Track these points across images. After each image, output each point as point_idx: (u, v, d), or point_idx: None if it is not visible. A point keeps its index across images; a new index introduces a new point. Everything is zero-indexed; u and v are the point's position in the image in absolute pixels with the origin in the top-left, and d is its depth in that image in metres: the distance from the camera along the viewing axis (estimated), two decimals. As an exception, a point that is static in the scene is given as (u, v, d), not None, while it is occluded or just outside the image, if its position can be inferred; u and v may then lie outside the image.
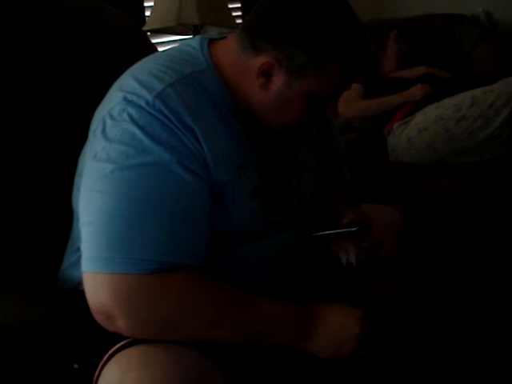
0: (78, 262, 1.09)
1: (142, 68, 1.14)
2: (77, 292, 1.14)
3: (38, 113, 1.44)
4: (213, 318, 1.02)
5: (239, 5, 3.31)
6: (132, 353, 0.98)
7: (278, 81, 1.09)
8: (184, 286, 1.01)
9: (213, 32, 2.81)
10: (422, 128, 2.53)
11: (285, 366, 1.20)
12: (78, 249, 1.09)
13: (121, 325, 0.98)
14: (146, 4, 2.76)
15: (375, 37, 3.10)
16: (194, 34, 2.67)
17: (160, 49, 1.91)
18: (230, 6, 2.86)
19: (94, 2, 1.67)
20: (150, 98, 1.04)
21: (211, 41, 1.19)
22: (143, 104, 1.03)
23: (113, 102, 1.08)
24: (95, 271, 0.99)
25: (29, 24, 1.47)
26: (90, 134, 1.13)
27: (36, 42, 1.47)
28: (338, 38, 1.07)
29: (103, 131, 1.06)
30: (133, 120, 1.03)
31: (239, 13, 3.27)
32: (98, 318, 1.00)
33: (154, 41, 2.29)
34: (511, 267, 2.13)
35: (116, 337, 1.01)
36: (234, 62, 1.13)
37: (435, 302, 2.04)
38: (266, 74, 1.09)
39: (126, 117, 1.03)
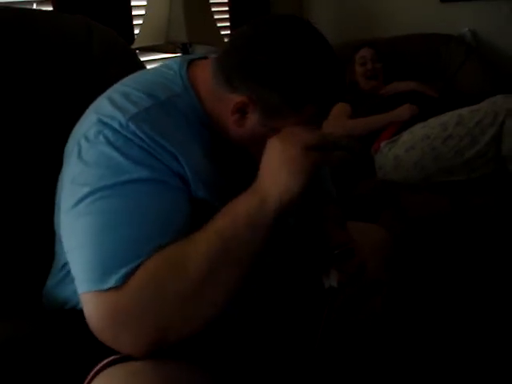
0: (63, 280, 1.09)
1: (117, 91, 1.13)
2: (63, 311, 1.13)
3: (23, 128, 1.43)
4: (201, 278, 0.98)
5: (228, 24, 3.33)
6: (118, 370, 0.97)
7: (253, 119, 1.09)
8: (155, 269, 0.97)
9: (201, 51, 2.82)
10: (409, 147, 2.54)
11: (278, 377, 1.18)
12: (62, 267, 1.08)
13: (127, 341, 0.97)
14: (134, 22, 2.77)
15: (345, 60, 3.11)
16: (183, 53, 2.68)
17: (148, 66, 1.92)
18: (219, 24, 2.88)
19: (82, 20, 1.67)
20: (123, 120, 1.03)
21: (191, 61, 1.18)
22: (117, 126, 1.03)
23: (87, 125, 1.07)
24: (86, 292, 0.98)
25: (16, 40, 1.46)
26: (66, 155, 1.13)
27: (23, 59, 1.47)
28: (312, 82, 1.07)
29: (79, 154, 1.05)
30: (109, 142, 1.02)
31: (228, 31, 3.29)
32: (104, 338, 0.98)
33: (142, 59, 2.29)
34: (498, 285, 2.14)
35: (102, 355, 0.99)
36: (211, 90, 1.13)
37: (423, 320, 2.04)
38: (241, 110, 1.09)
39: (101, 139, 1.03)
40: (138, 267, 0.97)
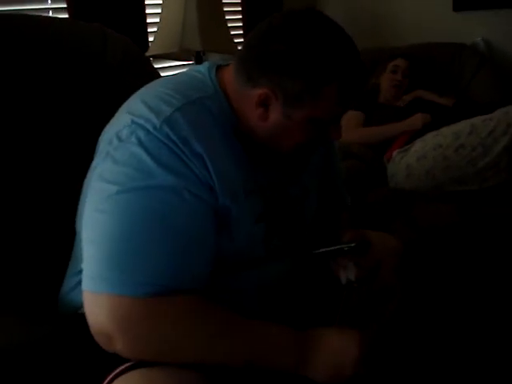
0: (78, 285, 1.09)
1: (150, 92, 1.15)
2: (77, 315, 1.14)
3: (40, 135, 1.44)
4: (209, 341, 1.03)
5: (242, 32, 3.34)
6: (133, 377, 0.98)
7: (276, 111, 1.10)
8: (182, 310, 1.01)
9: (215, 58, 2.83)
10: (421, 156, 2.54)
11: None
12: (79, 272, 1.09)
13: (120, 346, 0.98)
14: (149, 29, 2.79)
15: (376, 66, 3.13)
16: (196, 60, 2.69)
17: (162, 74, 1.93)
18: (233, 32, 2.89)
19: (97, 28, 1.69)
20: (157, 122, 1.04)
21: (219, 67, 1.20)
22: (150, 128, 1.04)
23: (121, 125, 1.08)
24: (96, 291, 1.00)
25: (32, 48, 1.48)
26: (96, 155, 1.14)
27: (39, 66, 1.48)
28: (328, 62, 1.07)
29: (110, 153, 1.06)
30: (140, 143, 1.03)
31: (241, 39, 3.30)
32: (98, 338, 1.00)
33: (156, 66, 2.30)
34: (507, 294, 2.13)
35: (115, 361, 1.00)
36: (236, 90, 1.14)
37: (434, 327, 2.03)
38: (263, 104, 1.10)
39: (133, 140, 1.04)
40: (166, 292, 0.99)
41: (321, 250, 1.27)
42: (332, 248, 1.26)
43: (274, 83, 1.08)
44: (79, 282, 1.07)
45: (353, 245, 1.23)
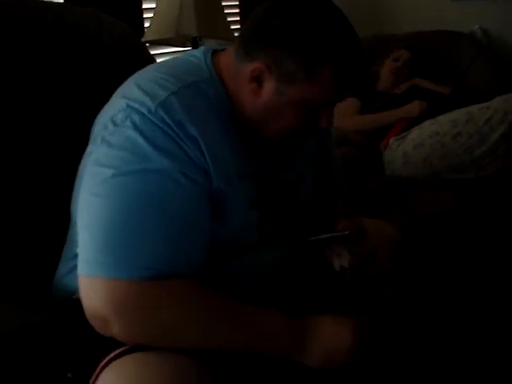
0: (73, 270, 1.10)
1: (145, 76, 1.15)
2: (72, 300, 1.14)
3: (36, 119, 1.44)
4: (204, 326, 1.03)
5: (238, 18, 3.33)
6: (128, 362, 0.98)
7: (270, 87, 1.10)
8: (177, 294, 1.01)
9: (211, 44, 2.82)
10: (417, 143, 2.54)
11: (280, 374, 1.19)
12: (75, 256, 1.09)
13: (115, 329, 0.99)
14: (144, 15, 2.77)
15: (374, 53, 3.12)
16: (193, 46, 2.69)
17: (158, 60, 1.92)
18: (229, 18, 2.88)
19: (92, 12, 1.68)
20: (152, 106, 1.04)
21: (214, 52, 1.20)
22: (145, 112, 1.04)
23: (115, 109, 1.08)
24: (91, 275, 1.00)
25: (27, 32, 1.47)
26: (91, 139, 1.14)
27: (34, 51, 1.47)
28: (326, 44, 1.07)
29: (105, 137, 1.06)
30: (135, 127, 1.03)
31: (238, 26, 3.29)
32: (93, 322, 1.01)
33: (152, 52, 2.29)
34: (504, 283, 2.13)
35: (111, 345, 1.00)
36: (232, 70, 1.14)
37: (430, 314, 2.04)
38: (257, 79, 1.10)
39: (128, 123, 1.04)
40: (161, 276, 0.99)
41: (315, 238, 1.27)
42: (326, 235, 1.26)
43: (270, 58, 1.07)
44: (74, 267, 1.08)
45: (347, 232, 1.24)
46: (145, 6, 2.78)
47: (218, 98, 1.12)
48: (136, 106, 1.05)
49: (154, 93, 1.07)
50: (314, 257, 1.34)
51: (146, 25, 2.76)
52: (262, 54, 1.08)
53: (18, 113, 1.41)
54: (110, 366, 0.99)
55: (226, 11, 2.83)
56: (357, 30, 1.13)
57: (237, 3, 3.35)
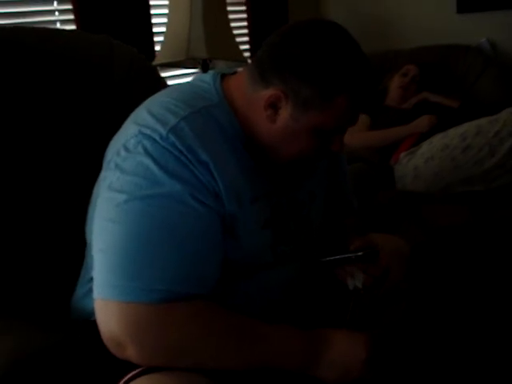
0: (90, 292, 1.10)
1: (156, 102, 1.16)
2: (89, 322, 1.15)
3: (49, 147, 1.46)
4: (218, 345, 1.04)
5: (247, 39, 3.37)
6: (144, 383, 1.00)
7: (285, 113, 1.11)
8: (191, 315, 1.02)
9: (221, 66, 2.85)
10: (428, 157, 2.55)
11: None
12: (91, 279, 1.10)
13: (130, 352, 0.99)
14: (155, 39, 2.81)
15: (381, 69, 3.15)
16: (203, 68, 2.71)
17: (169, 82, 1.95)
18: (238, 40, 2.91)
19: (104, 39, 1.71)
20: (163, 132, 1.06)
21: (223, 76, 1.21)
22: (157, 138, 1.05)
23: (128, 135, 1.10)
24: (106, 298, 1.01)
25: (41, 61, 1.50)
26: (105, 165, 1.15)
27: (48, 79, 1.50)
28: (343, 73, 1.09)
29: (118, 163, 1.08)
30: (147, 153, 1.05)
31: (247, 46, 3.32)
32: (109, 344, 1.02)
33: (163, 74, 2.32)
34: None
35: (127, 367, 1.02)
36: (245, 94, 1.15)
37: (443, 328, 2.03)
38: (273, 106, 1.11)
39: (140, 149, 1.05)
40: (174, 298, 1.00)
41: (328, 258, 1.28)
42: (340, 256, 1.27)
43: (287, 85, 1.09)
44: (90, 290, 1.09)
45: (360, 254, 1.24)
46: (155, 30, 2.81)
47: (228, 122, 1.13)
48: (148, 132, 1.07)
49: (164, 119, 1.08)
50: (326, 276, 1.35)
51: (157, 48, 2.79)
52: (278, 80, 1.09)
53: (32, 141, 1.44)
54: (127, 386, 1.01)
55: (234, 32, 2.85)
56: (366, 47, 1.15)
57: (246, 24, 3.37)
